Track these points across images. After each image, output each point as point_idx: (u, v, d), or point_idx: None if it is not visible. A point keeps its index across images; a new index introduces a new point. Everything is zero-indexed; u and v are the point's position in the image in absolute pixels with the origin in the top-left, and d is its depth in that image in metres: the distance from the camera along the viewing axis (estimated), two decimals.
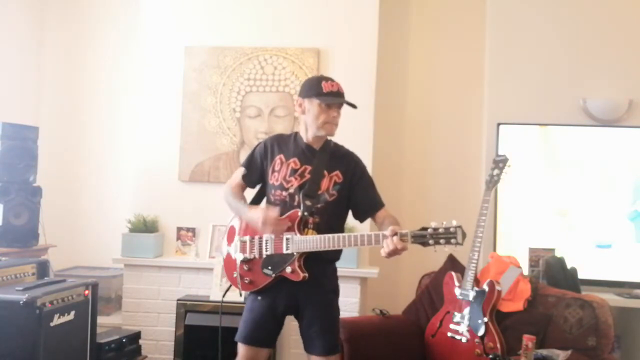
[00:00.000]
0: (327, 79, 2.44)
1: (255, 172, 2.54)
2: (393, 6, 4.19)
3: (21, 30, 4.40)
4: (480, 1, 4.14)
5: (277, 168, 2.46)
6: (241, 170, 2.57)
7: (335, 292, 2.50)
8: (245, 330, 2.46)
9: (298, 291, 2.38)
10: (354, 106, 2.43)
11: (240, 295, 2.70)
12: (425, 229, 2.13)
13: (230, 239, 2.54)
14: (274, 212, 2.34)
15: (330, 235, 2.27)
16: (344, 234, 2.27)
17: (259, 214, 2.36)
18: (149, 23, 4.06)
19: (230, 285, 2.55)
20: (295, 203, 2.38)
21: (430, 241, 2.11)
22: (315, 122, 2.40)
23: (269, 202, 2.50)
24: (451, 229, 2.09)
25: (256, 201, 2.58)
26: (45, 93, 4.53)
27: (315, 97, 2.39)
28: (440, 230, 2.10)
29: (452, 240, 2.09)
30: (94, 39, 4.50)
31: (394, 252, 2.14)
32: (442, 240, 2.10)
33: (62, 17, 4.54)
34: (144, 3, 4.07)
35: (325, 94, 2.38)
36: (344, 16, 3.89)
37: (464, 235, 2.10)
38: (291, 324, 2.65)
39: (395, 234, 2.13)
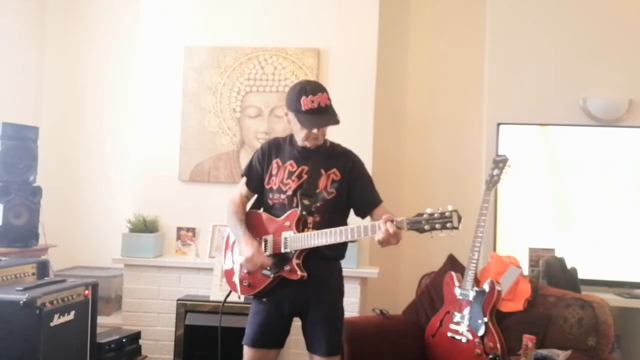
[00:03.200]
0: (309, 92, 2.27)
1: (256, 179, 2.51)
2: (393, 6, 4.19)
3: (21, 30, 4.40)
4: (480, 1, 4.14)
5: (274, 172, 2.45)
6: (243, 180, 2.53)
7: (341, 292, 2.48)
8: (252, 333, 2.43)
9: (303, 291, 2.36)
10: (336, 123, 2.31)
11: (239, 297, 2.69)
12: (420, 214, 2.09)
13: (227, 248, 2.55)
14: (264, 259, 2.35)
15: (325, 230, 2.24)
16: (338, 228, 2.23)
17: (250, 251, 2.35)
18: (149, 23, 4.05)
19: (231, 291, 2.54)
20: (294, 204, 2.36)
21: (426, 226, 2.05)
22: (298, 136, 2.38)
23: (266, 206, 2.48)
24: (446, 213, 2.03)
25: (256, 206, 2.56)
26: (45, 93, 4.52)
27: (294, 113, 2.33)
28: (436, 215, 2.05)
29: (448, 225, 2.03)
30: (94, 39, 4.50)
31: (387, 239, 2.11)
32: (437, 225, 2.04)
33: (62, 17, 4.54)
34: (144, 3, 4.07)
35: (304, 112, 2.28)
36: (344, 16, 3.89)
37: (459, 218, 2.03)
38: (292, 324, 2.64)
39: (391, 220, 2.10)
